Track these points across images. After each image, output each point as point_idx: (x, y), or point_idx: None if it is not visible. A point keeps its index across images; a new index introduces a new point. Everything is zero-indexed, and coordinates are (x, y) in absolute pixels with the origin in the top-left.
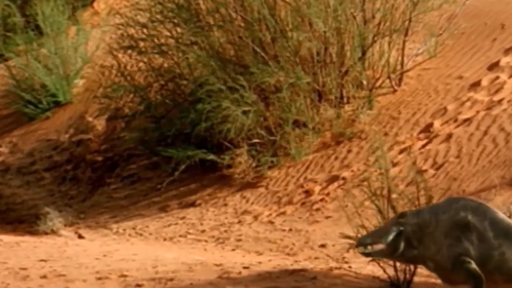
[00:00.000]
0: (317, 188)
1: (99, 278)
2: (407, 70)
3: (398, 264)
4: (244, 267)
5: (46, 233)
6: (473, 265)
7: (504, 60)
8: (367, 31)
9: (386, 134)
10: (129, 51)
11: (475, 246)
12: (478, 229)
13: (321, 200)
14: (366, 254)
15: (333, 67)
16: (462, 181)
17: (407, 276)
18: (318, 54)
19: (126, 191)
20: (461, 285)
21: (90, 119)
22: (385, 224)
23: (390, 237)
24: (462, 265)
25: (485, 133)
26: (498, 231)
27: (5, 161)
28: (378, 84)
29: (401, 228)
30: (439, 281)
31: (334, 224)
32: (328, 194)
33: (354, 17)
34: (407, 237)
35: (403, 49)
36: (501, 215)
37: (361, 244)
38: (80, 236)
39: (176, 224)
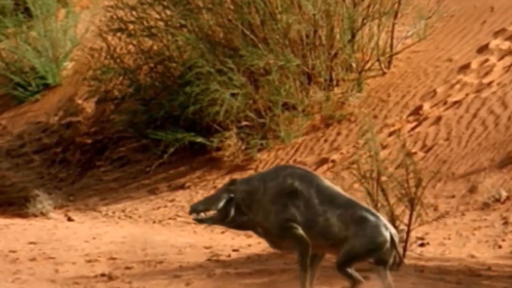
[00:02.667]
0: None
1: (89, 261)
2: (397, 53)
3: None
4: (234, 250)
5: (35, 216)
6: (300, 231)
7: (494, 43)
8: (357, 13)
9: (375, 116)
10: (119, 34)
11: (302, 212)
12: (305, 196)
13: None
14: (199, 221)
15: (322, 50)
16: (452, 163)
17: (397, 258)
18: (307, 36)
19: (115, 173)
20: (289, 250)
21: (79, 101)
22: (217, 191)
23: (221, 204)
24: (289, 230)
25: (475, 115)
26: (324, 198)
27: None
28: (367, 66)
29: (232, 195)
30: (428, 263)
31: None
32: None
33: (344, 0)
34: (237, 203)
35: (392, 31)
36: (327, 182)
37: (194, 210)
38: (70, 219)
39: (166, 206)
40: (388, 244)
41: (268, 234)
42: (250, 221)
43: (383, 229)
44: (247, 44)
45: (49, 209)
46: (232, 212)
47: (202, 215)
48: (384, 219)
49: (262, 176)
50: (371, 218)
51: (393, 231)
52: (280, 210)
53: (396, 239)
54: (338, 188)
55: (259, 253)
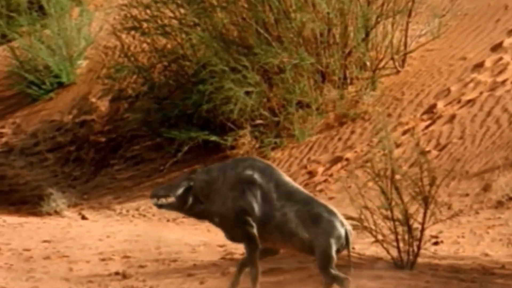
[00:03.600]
0: (321, 169)
1: (103, 259)
2: (411, 51)
3: (401, 245)
4: None
5: (49, 214)
6: (253, 230)
7: (508, 41)
8: (371, 12)
9: (389, 115)
10: (133, 32)
11: (260, 206)
12: (263, 189)
13: (325, 181)
14: (158, 206)
15: (336, 48)
16: (466, 162)
17: (411, 257)
18: (321, 35)
19: (129, 172)
20: (241, 243)
21: (93, 100)
22: (178, 178)
23: (180, 191)
24: (244, 225)
25: (489, 114)
26: (282, 193)
27: (9, 142)
28: (381, 65)
29: (191, 183)
30: (442, 262)
31: (338, 205)
32: (331, 175)
33: None
34: (195, 192)
35: (406, 30)
36: (287, 178)
37: (154, 195)
38: (84, 217)
39: None
40: (342, 240)
41: (224, 223)
42: (207, 211)
43: (338, 225)
44: (261, 42)
45: (63, 208)
46: (190, 200)
47: (163, 200)
48: (341, 216)
49: (222, 167)
50: (326, 214)
51: (349, 228)
52: (238, 196)
53: (351, 237)
54: (297, 184)
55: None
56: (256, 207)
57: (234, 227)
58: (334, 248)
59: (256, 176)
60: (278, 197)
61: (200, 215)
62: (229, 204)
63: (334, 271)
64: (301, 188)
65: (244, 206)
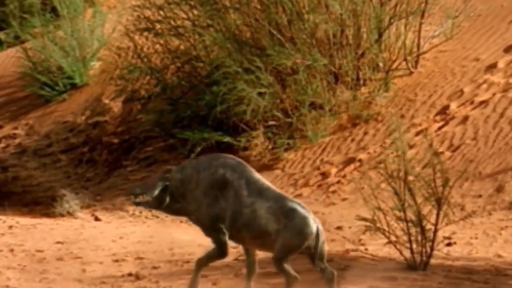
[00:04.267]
0: (334, 170)
1: (116, 260)
2: (424, 52)
3: (414, 246)
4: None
5: (62, 215)
6: (225, 238)
7: None
8: (384, 13)
9: (402, 116)
10: (146, 33)
11: (230, 204)
12: (234, 187)
13: (338, 182)
14: (136, 204)
15: (349, 49)
16: (479, 163)
17: (424, 258)
18: (334, 36)
19: (142, 173)
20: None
21: (106, 101)
22: (154, 177)
23: (156, 192)
24: (217, 232)
25: (502, 115)
26: (253, 190)
27: (22, 143)
28: (394, 66)
29: (167, 183)
30: (455, 263)
31: (351, 206)
32: (344, 176)
33: None
34: (171, 192)
35: (419, 31)
36: (258, 175)
37: (132, 194)
38: (97, 218)
39: None
40: (313, 236)
41: (200, 223)
42: (184, 208)
43: (311, 221)
44: (274, 43)
45: (76, 209)
46: (167, 199)
47: (141, 198)
48: (312, 214)
49: (196, 165)
50: (300, 209)
51: (320, 227)
52: (211, 203)
53: (322, 236)
54: (268, 182)
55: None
56: (228, 209)
57: (208, 230)
58: (297, 246)
59: (228, 174)
60: (248, 194)
61: (178, 212)
62: (203, 210)
63: (286, 266)
64: (272, 185)
65: (219, 213)
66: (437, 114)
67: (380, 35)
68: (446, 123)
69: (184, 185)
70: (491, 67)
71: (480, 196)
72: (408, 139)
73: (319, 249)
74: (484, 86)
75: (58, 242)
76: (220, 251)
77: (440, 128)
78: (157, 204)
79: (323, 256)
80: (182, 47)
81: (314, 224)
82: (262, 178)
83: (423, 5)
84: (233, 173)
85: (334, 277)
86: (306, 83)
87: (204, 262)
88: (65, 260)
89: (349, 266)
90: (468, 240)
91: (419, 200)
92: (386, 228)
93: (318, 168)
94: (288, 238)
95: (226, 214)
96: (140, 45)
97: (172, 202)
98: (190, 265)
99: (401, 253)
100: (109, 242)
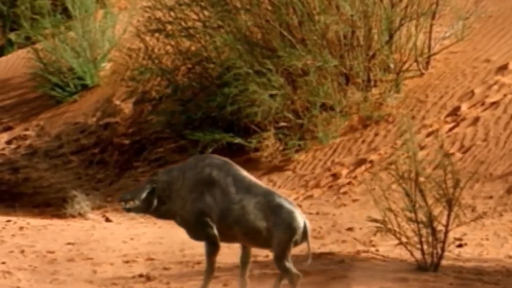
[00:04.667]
0: (344, 172)
1: (126, 262)
2: (434, 54)
3: (425, 247)
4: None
5: (73, 217)
6: (213, 231)
7: None
8: (394, 14)
9: (413, 117)
10: (157, 34)
11: (218, 201)
12: (221, 185)
13: (348, 183)
14: (127, 210)
15: (360, 51)
16: (489, 164)
17: (435, 259)
18: (345, 37)
19: None
20: (202, 241)
21: (117, 102)
22: (143, 181)
23: (144, 195)
24: (204, 227)
25: None
26: (240, 186)
27: (33, 144)
28: (405, 67)
29: (154, 185)
30: (466, 264)
31: (361, 208)
32: (355, 177)
33: (381, 0)
34: (158, 194)
35: (430, 32)
36: (244, 172)
37: (122, 200)
38: (107, 220)
39: None
40: (300, 231)
41: (185, 222)
42: (170, 210)
43: (298, 216)
44: (285, 45)
45: (87, 210)
46: (155, 202)
47: (131, 203)
48: (300, 210)
49: (182, 167)
50: (287, 205)
51: (307, 222)
52: (197, 198)
53: (309, 230)
54: (255, 179)
55: (297, 253)
56: (215, 207)
57: (194, 227)
58: (290, 241)
59: (215, 173)
60: (236, 191)
61: (164, 215)
62: (188, 206)
63: (288, 264)
64: (259, 182)
65: (203, 208)
66: (448, 115)
67: (391, 36)
68: (457, 124)
69: (170, 186)
70: (502, 68)
71: (491, 197)
72: (419, 140)
73: (309, 243)
74: (495, 87)
75: (69, 243)
76: (211, 244)
77: (451, 129)
78: (146, 207)
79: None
80: (193, 48)
81: (301, 218)
82: (249, 175)
83: (434, 6)
84: (219, 172)
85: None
86: (317, 84)
87: (209, 265)
88: (76, 261)
89: (360, 267)
90: (479, 241)
91: (430, 201)
92: (397, 229)
93: (329, 169)
94: (280, 235)
95: (214, 211)
96: (151, 46)
97: (159, 205)
98: (201, 266)
99: (412, 254)
100: (120, 243)
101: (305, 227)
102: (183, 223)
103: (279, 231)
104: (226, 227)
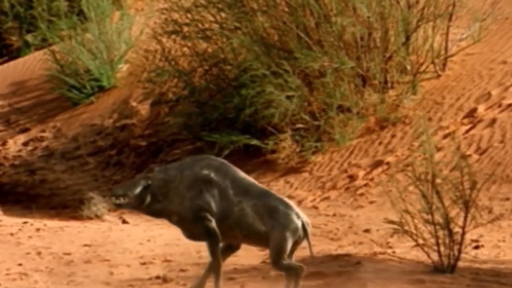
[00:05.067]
0: (361, 173)
1: (143, 263)
2: (451, 55)
3: (442, 249)
4: None
5: (90, 218)
6: (212, 224)
7: None
8: (411, 16)
9: (430, 119)
10: (173, 36)
11: (217, 203)
12: (220, 187)
13: (365, 185)
14: (118, 205)
15: (377, 52)
16: (506, 166)
17: (451, 261)
18: (362, 39)
19: None
20: (201, 240)
21: (134, 104)
22: (136, 177)
23: (137, 190)
24: (202, 221)
25: None
26: (238, 189)
27: (49, 146)
28: (422, 69)
29: (149, 182)
30: (483, 266)
31: (378, 209)
32: (372, 179)
33: (398, 2)
34: (153, 191)
35: (447, 34)
36: (242, 174)
37: (114, 195)
38: (124, 221)
39: None
40: (300, 232)
41: (182, 221)
42: (165, 209)
43: (294, 217)
44: (302, 46)
45: (103, 212)
46: (148, 199)
47: (122, 199)
48: (297, 209)
49: (179, 166)
50: (281, 207)
51: (305, 219)
52: (195, 196)
53: (309, 228)
54: (252, 179)
55: (314, 255)
56: (214, 205)
57: (193, 225)
58: (289, 242)
59: (213, 175)
60: (235, 193)
61: (158, 214)
62: (186, 203)
63: (286, 262)
64: (256, 182)
65: (202, 205)
66: (464, 117)
67: (408, 38)
68: (474, 126)
69: (167, 185)
70: None
71: (507, 199)
72: (435, 142)
73: (309, 241)
74: None
75: (86, 245)
76: (212, 237)
77: (467, 131)
78: (138, 204)
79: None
80: (209, 50)
81: (298, 219)
82: (247, 176)
83: (450, 8)
84: (217, 174)
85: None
86: (333, 86)
87: (215, 260)
88: (93, 263)
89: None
90: (495, 243)
91: (447, 203)
92: (414, 231)
93: (345, 171)
94: (277, 238)
95: (213, 209)
96: (168, 48)
97: (152, 202)
98: None
99: (428, 256)
100: (136, 245)
101: (303, 225)
102: (180, 221)
103: (274, 234)
104: (228, 229)
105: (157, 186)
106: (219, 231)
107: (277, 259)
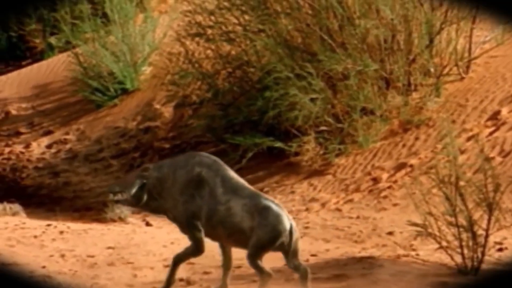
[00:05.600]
0: (385, 176)
1: (167, 266)
2: (475, 58)
3: (466, 251)
4: (312, 255)
5: (113, 221)
6: (201, 235)
7: None
8: (435, 18)
9: (453, 121)
10: (197, 39)
11: (206, 201)
12: (210, 185)
13: (389, 187)
14: (115, 201)
15: (400, 55)
16: None
17: (475, 263)
18: (385, 41)
19: None
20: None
21: (157, 106)
22: (132, 175)
23: (134, 190)
24: (193, 229)
25: None
26: (228, 187)
27: (73, 148)
28: (445, 71)
29: (144, 181)
30: (506, 268)
31: (402, 212)
32: (395, 181)
33: (422, 4)
34: (149, 189)
35: (470, 36)
36: (233, 173)
37: (111, 191)
38: (148, 224)
39: None
40: (286, 233)
41: (177, 221)
42: (161, 206)
43: (284, 219)
44: (325, 49)
45: (127, 214)
46: (145, 197)
47: (119, 196)
48: (286, 212)
49: (173, 163)
50: (274, 207)
51: (294, 224)
52: (187, 201)
53: (295, 233)
54: (243, 180)
55: (337, 258)
56: (204, 207)
57: (185, 227)
58: (273, 243)
59: (204, 172)
60: (224, 192)
61: (156, 210)
62: (180, 208)
63: (260, 263)
64: (246, 183)
65: (195, 211)
66: (488, 119)
67: (431, 41)
68: (497, 129)
69: (161, 183)
70: None
71: None
72: (459, 144)
73: (292, 246)
74: None
75: (109, 248)
76: (196, 247)
77: (491, 133)
78: (135, 202)
79: (296, 253)
80: (233, 52)
81: (287, 221)
82: (238, 176)
83: (474, 10)
84: (208, 171)
85: (308, 274)
86: (357, 88)
87: (181, 258)
88: (116, 265)
89: (401, 271)
90: None
91: (470, 205)
92: (437, 233)
93: (369, 174)
94: (262, 235)
95: (202, 211)
96: (192, 50)
97: (150, 200)
98: (241, 270)
99: (452, 258)
100: (160, 247)
101: (291, 229)
102: (175, 221)
103: (261, 231)
104: (211, 227)
105: (152, 185)
106: (204, 230)
107: (253, 255)
